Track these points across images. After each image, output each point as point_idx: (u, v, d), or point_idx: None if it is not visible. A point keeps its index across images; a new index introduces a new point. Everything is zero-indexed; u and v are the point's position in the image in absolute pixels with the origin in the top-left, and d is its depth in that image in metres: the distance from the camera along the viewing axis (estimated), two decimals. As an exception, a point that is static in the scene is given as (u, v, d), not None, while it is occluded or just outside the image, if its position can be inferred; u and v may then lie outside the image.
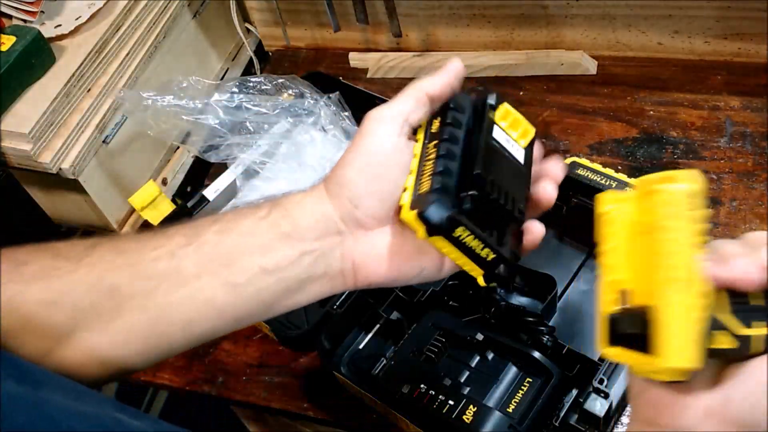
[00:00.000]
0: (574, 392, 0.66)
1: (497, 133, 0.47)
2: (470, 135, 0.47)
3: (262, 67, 1.19)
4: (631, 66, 1.00)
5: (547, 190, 0.50)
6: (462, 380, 0.68)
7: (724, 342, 0.37)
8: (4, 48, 0.84)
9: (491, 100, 0.49)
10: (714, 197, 0.83)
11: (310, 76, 0.98)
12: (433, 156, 0.46)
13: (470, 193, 0.44)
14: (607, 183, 0.73)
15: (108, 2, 0.95)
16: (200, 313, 0.46)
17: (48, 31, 0.91)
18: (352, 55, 1.12)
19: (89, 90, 0.91)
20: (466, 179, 0.44)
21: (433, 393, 0.66)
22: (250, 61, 1.20)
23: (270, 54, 1.21)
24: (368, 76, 1.09)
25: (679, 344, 0.36)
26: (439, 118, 0.49)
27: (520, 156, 0.48)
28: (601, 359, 0.67)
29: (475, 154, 0.45)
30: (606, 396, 0.64)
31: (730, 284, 0.37)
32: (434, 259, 0.48)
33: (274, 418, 0.92)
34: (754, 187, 0.83)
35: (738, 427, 0.37)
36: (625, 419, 0.69)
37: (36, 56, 0.87)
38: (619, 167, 0.86)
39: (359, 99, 0.95)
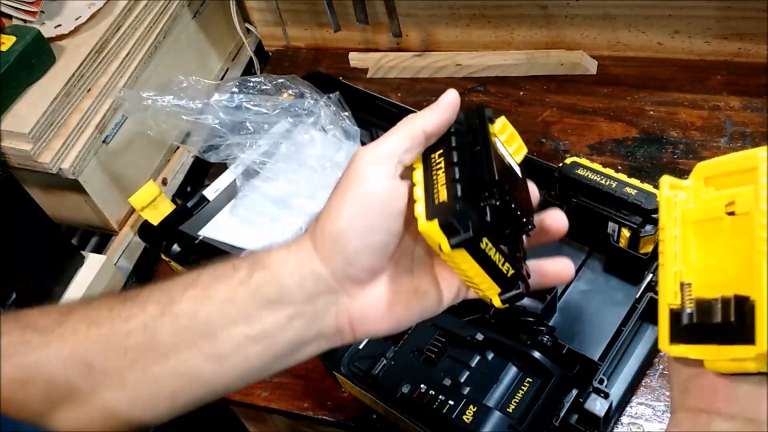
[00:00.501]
0: (574, 392, 0.66)
1: (499, 146, 0.46)
2: (473, 147, 0.44)
3: (262, 67, 1.19)
4: (631, 66, 1.00)
5: (557, 218, 0.47)
6: (462, 380, 0.68)
7: None
8: (4, 48, 0.84)
9: (489, 113, 0.47)
10: (714, 197, 0.83)
11: (310, 76, 0.98)
12: (442, 165, 0.43)
13: (491, 201, 0.40)
14: (607, 183, 0.73)
15: (108, 2, 0.95)
16: (186, 386, 0.44)
17: (48, 31, 0.91)
18: (352, 55, 1.12)
19: (89, 90, 0.91)
20: (483, 188, 0.41)
21: (433, 393, 0.66)
22: (250, 61, 1.20)
23: (270, 54, 1.21)
24: (368, 76, 1.09)
25: None
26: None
27: (518, 171, 0.46)
28: (601, 359, 0.67)
29: (487, 163, 0.42)
30: (606, 396, 0.64)
31: None
32: (433, 297, 0.45)
33: (274, 418, 0.92)
34: (754, 187, 0.83)
35: None
36: (625, 419, 0.69)
37: (36, 56, 0.87)
38: (619, 167, 0.86)
39: (359, 99, 0.95)
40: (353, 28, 1.09)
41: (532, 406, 0.65)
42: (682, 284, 0.36)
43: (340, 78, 1.03)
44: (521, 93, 1.00)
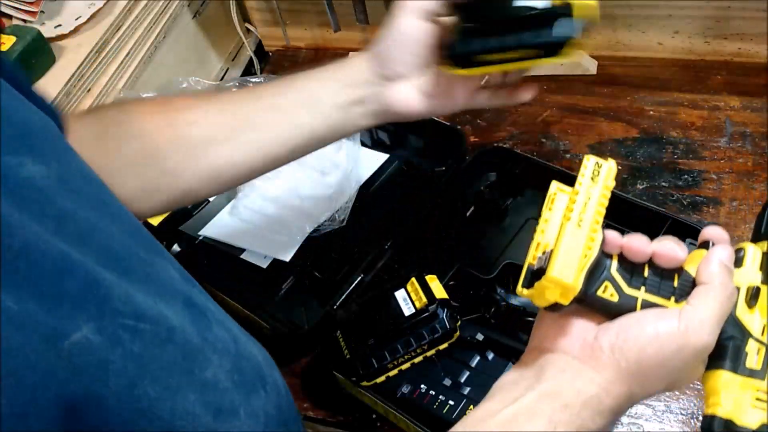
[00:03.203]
0: (574, 392, 0.66)
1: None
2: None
3: (262, 67, 1.19)
4: (631, 66, 1.00)
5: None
6: (462, 380, 0.68)
7: (609, 294, 0.46)
8: (4, 48, 0.84)
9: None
10: (714, 197, 0.83)
11: (310, 76, 0.98)
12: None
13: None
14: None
15: (108, 2, 0.95)
16: (298, 134, 0.62)
17: (48, 31, 0.91)
18: (352, 55, 1.12)
19: (89, 90, 0.91)
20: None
21: (433, 393, 0.66)
22: (250, 61, 1.20)
23: (270, 54, 1.21)
24: (368, 76, 1.09)
25: (562, 263, 0.44)
26: None
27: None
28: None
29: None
30: (606, 396, 0.64)
31: (625, 250, 0.46)
32: (446, 100, 0.62)
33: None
34: (754, 187, 0.83)
35: (603, 354, 0.45)
36: (625, 419, 0.69)
37: (36, 56, 0.87)
38: (619, 167, 0.86)
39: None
40: (353, 28, 1.09)
41: (532, 406, 0.65)
42: (542, 251, 0.47)
43: (340, 78, 1.03)
44: (521, 93, 1.00)
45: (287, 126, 0.62)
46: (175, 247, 0.89)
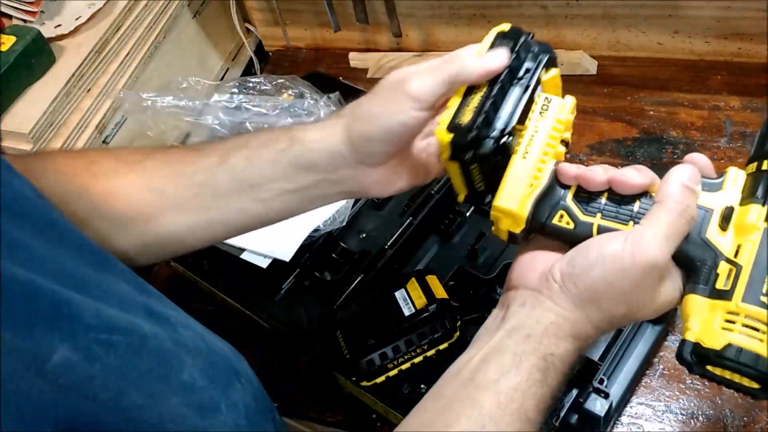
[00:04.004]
0: (574, 392, 0.66)
1: (537, 92, 0.52)
2: (513, 82, 0.50)
3: (262, 67, 1.19)
4: (631, 66, 1.00)
5: None
6: (462, 380, 0.68)
7: (565, 222, 0.48)
8: (4, 48, 0.84)
9: (544, 58, 0.51)
10: (714, 197, 0.83)
11: (310, 76, 0.98)
12: (482, 91, 0.50)
13: (491, 140, 0.49)
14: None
15: (108, 2, 0.95)
16: (234, 218, 0.57)
17: (48, 31, 0.91)
18: (352, 55, 1.12)
19: (89, 90, 0.91)
20: (493, 125, 0.49)
21: (433, 393, 0.66)
22: (250, 61, 1.20)
23: (270, 54, 1.21)
24: (368, 76, 1.09)
25: (506, 193, 0.48)
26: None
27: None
28: (601, 359, 0.67)
29: (512, 107, 0.49)
30: (606, 396, 0.64)
31: (580, 180, 0.48)
32: (423, 175, 0.57)
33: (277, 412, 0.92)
34: (754, 187, 0.83)
35: (556, 282, 0.47)
36: (625, 419, 0.69)
37: (36, 56, 0.87)
38: (620, 167, 0.86)
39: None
40: (353, 28, 1.09)
41: (532, 406, 0.65)
42: None
43: (340, 78, 1.03)
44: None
45: (219, 211, 0.56)
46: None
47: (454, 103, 0.51)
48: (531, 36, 0.53)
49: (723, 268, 0.45)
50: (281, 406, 0.77)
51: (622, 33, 0.98)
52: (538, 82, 0.51)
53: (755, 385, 0.42)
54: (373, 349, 0.69)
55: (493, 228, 0.51)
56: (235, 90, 0.96)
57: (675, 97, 0.95)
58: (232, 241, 0.86)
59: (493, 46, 0.52)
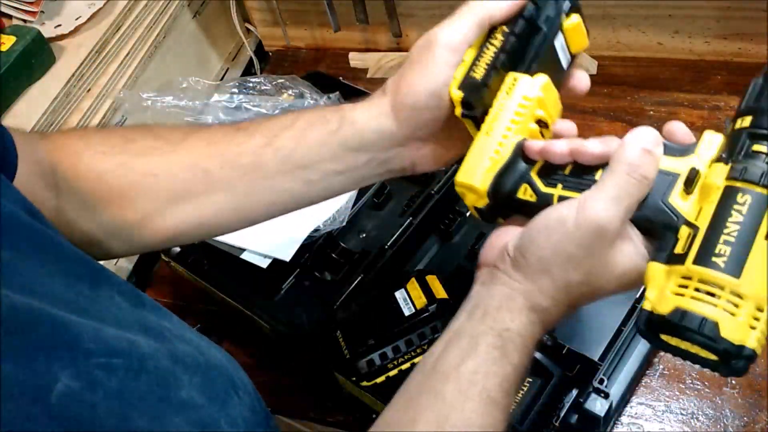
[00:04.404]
0: (574, 392, 0.66)
1: (559, 40, 0.52)
2: (531, 35, 0.51)
3: (262, 67, 1.19)
4: (631, 66, 1.00)
5: (581, 78, 0.58)
6: (462, 380, 0.68)
7: (528, 195, 0.48)
8: (4, 48, 0.84)
9: (566, 5, 0.51)
10: (714, 197, 0.83)
11: (310, 76, 0.98)
12: (496, 43, 0.50)
13: None
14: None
15: (108, 2, 0.95)
16: (279, 200, 0.56)
17: (48, 31, 0.91)
18: (352, 55, 1.12)
19: (89, 90, 0.91)
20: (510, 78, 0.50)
21: (433, 393, 0.66)
22: (250, 61, 1.20)
23: (270, 54, 1.21)
24: (368, 76, 1.09)
25: (466, 168, 0.49)
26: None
27: (564, 64, 0.55)
28: (601, 359, 0.67)
29: (530, 61, 0.51)
30: (606, 396, 0.64)
31: (544, 154, 0.47)
32: (461, 146, 0.53)
33: (274, 418, 0.92)
34: (754, 187, 0.83)
35: (510, 256, 0.46)
36: (625, 419, 0.69)
37: (36, 56, 0.87)
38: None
39: (359, 99, 0.95)
40: (353, 28, 1.09)
41: (533, 406, 0.65)
42: None
43: (340, 78, 1.03)
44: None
45: (265, 192, 0.55)
46: (175, 248, 0.88)
47: (470, 55, 0.50)
48: None
49: (683, 232, 0.43)
50: (282, 407, 0.77)
51: (622, 33, 0.98)
52: (559, 29, 0.51)
53: (712, 356, 0.40)
54: (373, 349, 0.69)
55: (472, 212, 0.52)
56: (235, 90, 0.96)
57: (675, 97, 0.94)
58: (232, 241, 0.86)
59: None
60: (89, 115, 0.90)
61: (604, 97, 0.97)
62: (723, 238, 0.40)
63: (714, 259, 0.40)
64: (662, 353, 0.73)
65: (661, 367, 0.72)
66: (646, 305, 0.42)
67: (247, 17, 1.18)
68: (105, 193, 0.53)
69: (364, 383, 0.69)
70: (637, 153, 0.45)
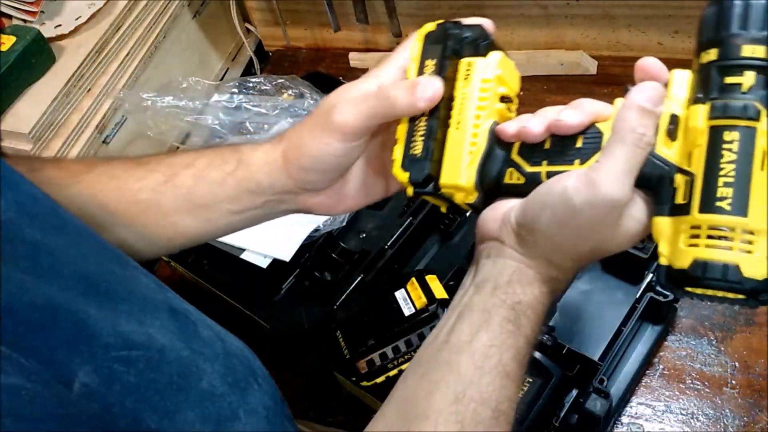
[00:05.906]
0: (574, 392, 0.66)
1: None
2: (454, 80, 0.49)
3: (262, 67, 1.19)
4: (631, 66, 0.99)
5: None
6: (462, 380, 0.68)
7: (516, 178, 0.47)
8: (4, 48, 0.85)
9: (482, 47, 0.51)
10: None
11: (310, 76, 0.98)
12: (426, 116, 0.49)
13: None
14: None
15: (108, 2, 0.95)
16: (178, 235, 0.56)
17: (48, 31, 0.91)
18: (352, 55, 1.12)
19: (89, 90, 0.91)
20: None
21: (433, 393, 0.66)
22: (250, 61, 1.20)
23: (270, 54, 1.21)
24: (368, 76, 1.09)
25: (447, 168, 0.48)
26: (434, 62, 0.50)
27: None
28: (601, 359, 0.67)
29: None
30: (606, 396, 0.64)
31: (520, 137, 0.47)
32: (381, 190, 0.56)
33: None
34: (754, 187, 0.83)
35: (513, 230, 0.46)
36: (625, 419, 0.69)
37: (36, 56, 0.87)
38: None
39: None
40: (353, 28, 1.09)
41: (533, 406, 0.65)
42: None
43: (340, 78, 1.03)
44: (521, 93, 0.99)
45: (164, 229, 0.55)
46: (175, 247, 0.89)
47: (402, 131, 0.50)
48: (461, 26, 0.51)
49: (679, 181, 0.42)
50: (281, 406, 0.77)
51: (622, 33, 0.98)
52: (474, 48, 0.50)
53: (739, 296, 0.40)
54: (373, 349, 0.69)
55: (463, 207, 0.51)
56: (235, 90, 0.96)
57: (675, 97, 0.94)
58: (232, 241, 0.86)
59: (423, 54, 0.51)
60: (89, 115, 0.90)
61: (604, 97, 0.96)
62: (722, 180, 0.40)
63: (718, 203, 0.39)
64: (662, 353, 0.73)
65: (661, 367, 0.72)
66: (662, 260, 0.42)
67: (247, 17, 1.18)
68: None
69: (364, 383, 0.69)
70: (640, 116, 0.43)
